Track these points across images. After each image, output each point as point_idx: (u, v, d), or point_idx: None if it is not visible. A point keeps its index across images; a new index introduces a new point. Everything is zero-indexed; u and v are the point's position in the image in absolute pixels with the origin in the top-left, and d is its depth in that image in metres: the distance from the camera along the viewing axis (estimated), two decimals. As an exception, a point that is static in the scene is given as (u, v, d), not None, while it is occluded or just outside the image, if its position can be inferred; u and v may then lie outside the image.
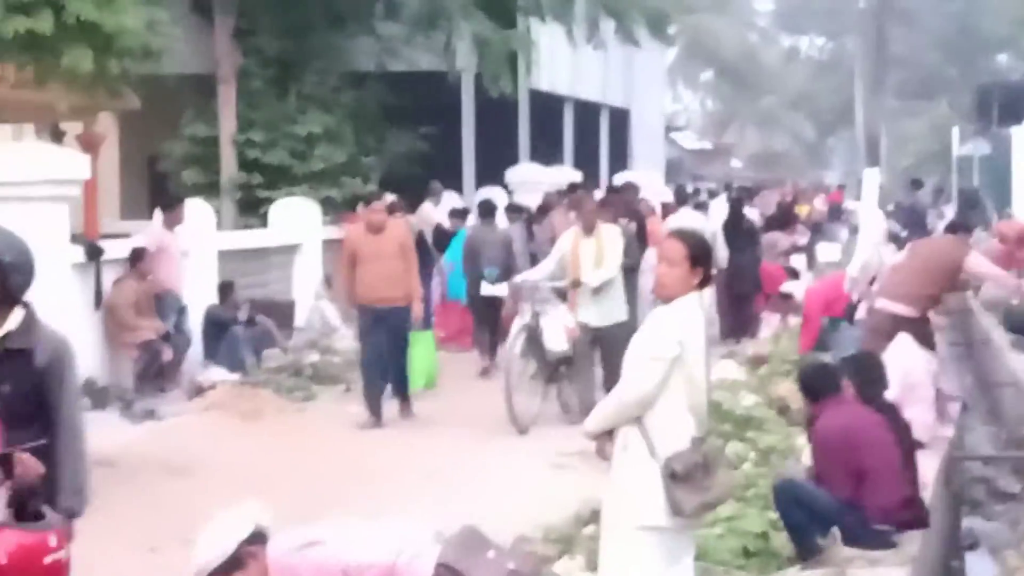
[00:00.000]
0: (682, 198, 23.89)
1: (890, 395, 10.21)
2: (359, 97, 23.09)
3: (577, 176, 25.61)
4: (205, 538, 5.36)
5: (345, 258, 13.80)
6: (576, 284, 13.54)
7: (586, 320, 13.48)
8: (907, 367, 12.29)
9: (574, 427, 11.44)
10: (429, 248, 18.18)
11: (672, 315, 6.63)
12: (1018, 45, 48.27)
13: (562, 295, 13.80)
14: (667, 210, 21.76)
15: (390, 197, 17.16)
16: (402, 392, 13.71)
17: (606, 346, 13.32)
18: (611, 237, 13.84)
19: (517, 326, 13.61)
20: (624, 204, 18.37)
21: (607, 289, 13.61)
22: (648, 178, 28.28)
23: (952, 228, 17.26)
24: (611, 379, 11.65)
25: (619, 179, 26.85)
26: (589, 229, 13.72)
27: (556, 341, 13.39)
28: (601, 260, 13.55)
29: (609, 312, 13.62)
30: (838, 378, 9.32)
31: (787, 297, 18.86)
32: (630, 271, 15.09)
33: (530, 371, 13.69)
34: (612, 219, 15.33)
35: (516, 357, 13.44)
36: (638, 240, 16.62)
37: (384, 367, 13.61)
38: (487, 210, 18.70)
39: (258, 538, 5.35)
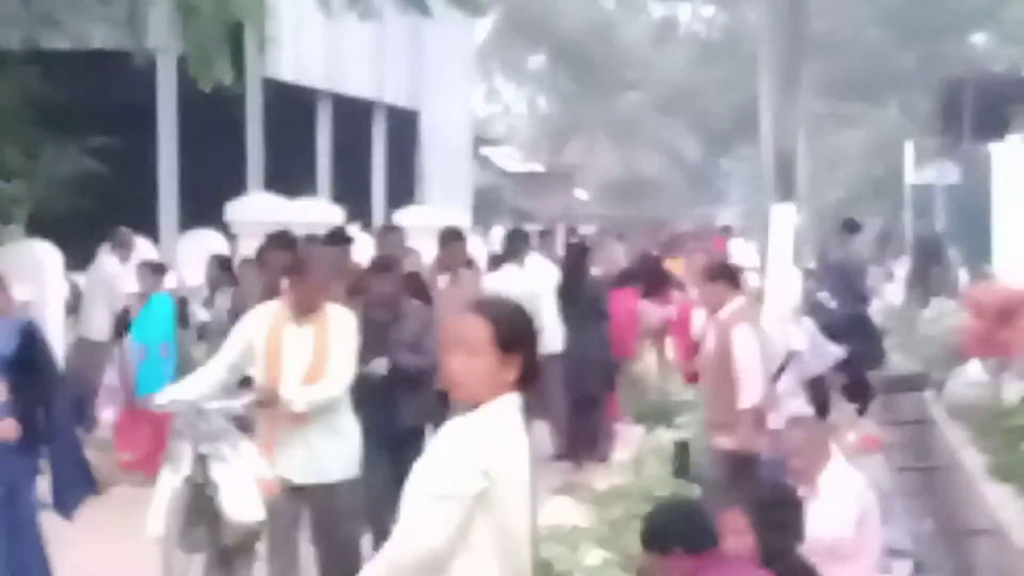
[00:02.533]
0: (513, 248, 17.69)
1: (813, 550, 9.17)
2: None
3: (335, 214, 21.13)
4: None
5: None
6: (271, 403, 9.59)
7: (290, 473, 9.69)
8: (846, 508, 10.51)
9: None
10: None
11: (475, 429, 5.64)
12: (999, 20, 37.41)
13: (247, 425, 9.96)
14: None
15: None
16: None
17: (323, 515, 10.07)
18: (344, 327, 10.00)
19: (169, 485, 9.63)
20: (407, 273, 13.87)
21: (328, 419, 9.78)
22: (444, 217, 21.40)
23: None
24: (332, 567, 10.29)
25: (405, 218, 22.09)
26: (305, 309, 9.75)
27: (242, 505, 9.52)
28: (321, 365, 9.73)
29: (330, 458, 9.83)
30: (712, 528, 7.95)
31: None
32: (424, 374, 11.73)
33: (198, 562, 9.69)
34: (387, 297, 11.91)
35: (173, 538, 9.51)
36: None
37: None
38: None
39: None
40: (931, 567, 15.41)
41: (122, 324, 16.62)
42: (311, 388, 9.86)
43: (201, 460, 9.74)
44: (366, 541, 11.84)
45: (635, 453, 16.88)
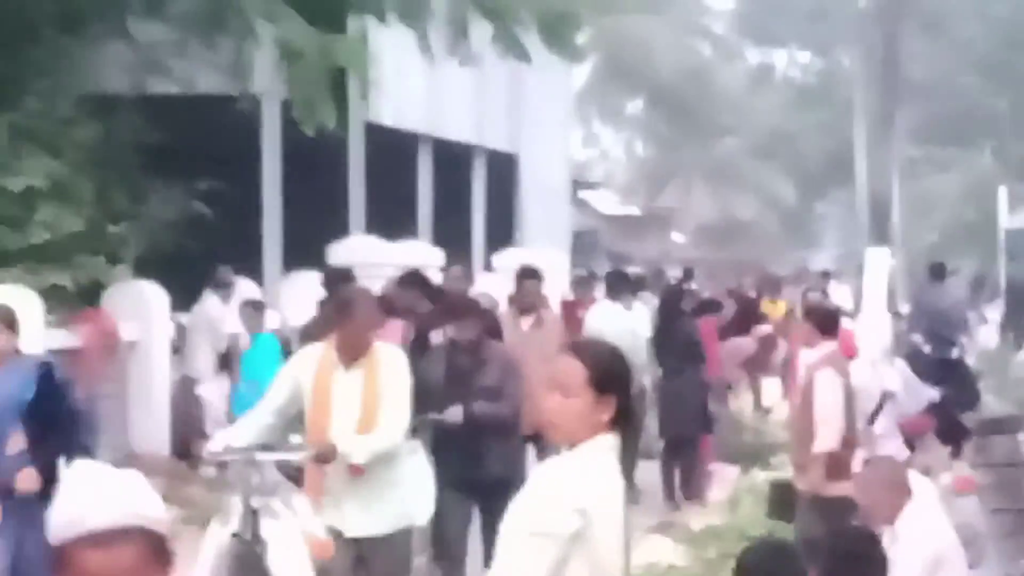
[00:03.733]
0: (614, 286, 18.24)
1: None
2: (105, 133, 18.88)
3: (435, 256, 21.34)
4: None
5: None
6: (325, 458, 9.08)
7: (341, 526, 9.20)
8: (933, 546, 10.20)
9: None
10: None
11: (571, 468, 5.70)
12: None
13: (295, 476, 9.63)
14: (569, 308, 18.65)
15: None
16: None
17: (379, 566, 9.57)
18: (394, 368, 9.34)
19: (217, 541, 9.06)
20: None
21: (384, 469, 9.22)
22: (545, 259, 21.48)
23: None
24: None
25: (501, 261, 22.96)
26: (354, 352, 9.13)
27: (292, 568, 9.03)
28: (373, 413, 9.13)
29: (385, 511, 9.32)
30: (801, 566, 8.11)
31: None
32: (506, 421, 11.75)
33: None
34: (470, 343, 11.67)
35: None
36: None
37: None
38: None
39: None
40: None
41: (225, 363, 16.93)
42: (369, 439, 9.46)
43: (251, 515, 9.37)
44: None
45: (730, 493, 17.05)
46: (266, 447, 9.47)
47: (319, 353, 9.54)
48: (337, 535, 9.31)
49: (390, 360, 9.46)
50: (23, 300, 15.07)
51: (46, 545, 7.08)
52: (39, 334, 15.21)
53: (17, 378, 9.84)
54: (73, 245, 17.33)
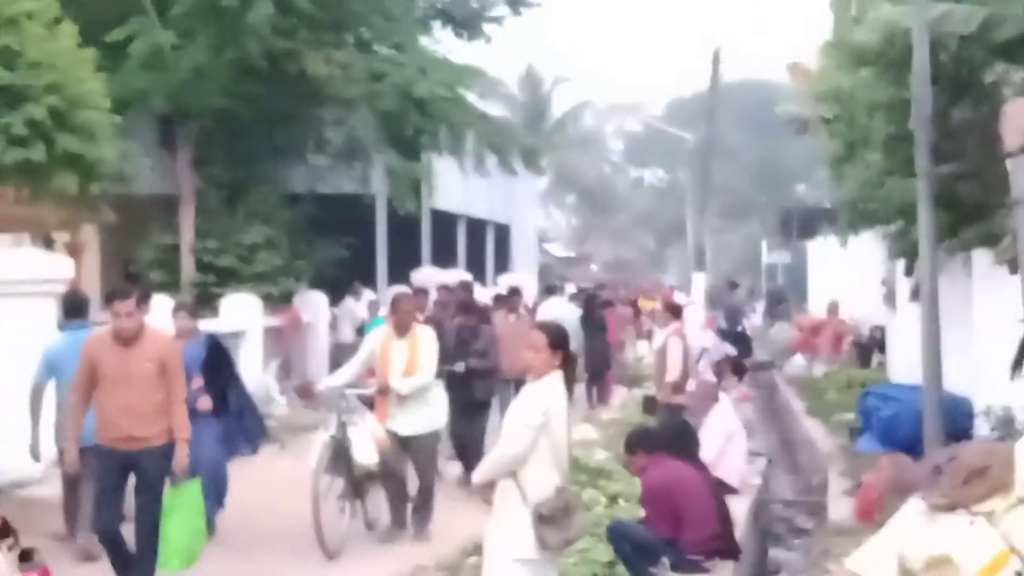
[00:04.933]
0: (552, 291, 25.49)
1: (707, 453, 12.00)
2: (293, 214, 24.43)
3: (468, 277, 26.41)
4: None
5: (79, 377, 9.06)
6: (385, 391, 11.47)
7: (395, 428, 11.48)
8: (728, 427, 13.93)
9: (384, 547, 11.37)
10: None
11: (539, 391, 7.35)
12: (813, 178, 53.55)
13: (370, 402, 11.75)
14: (534, 306, 22.89)
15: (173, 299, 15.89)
16: (146, 572, 9.05)
17: (417, 455, 11.78)
18: (426, 339, 11.70)
19: (320, 439, 11.38)
20: (510, 304, 17.99)
21: (418, 397, 11.55)
22: (524, 279, 29.89)
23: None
24: (425, 489, 11.87)
25: (502, 281, 29.09)
26: (403, 331, 11.56)
27: (365, 454, 11.21)
28: (414, 365, 11.49)
29: (420, 420, 11.66)
30: (658, 440, 10.64)
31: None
32: (488, 370, 14.33)
33: (337, 489, 11.35)
34: (471, 326, 14.50)
35: (321, 473, 11.04)
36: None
37: (121, 531, 9.15)
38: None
39: None
40: (777, 462, 18.74)
41: (359, 334, 20.16)
42: (410, 380, 11.51)
43: (342, 425, 11.28)
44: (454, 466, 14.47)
45: (622, 401, 21.83)
46: (351, 386, 11.69)
47: (383, 331, 11.96)
48: (392, 435, 11.50)
49: (424, 334, 11.82)
50: (252, 302, 21.25)
51: (214, 442, 11.08)
52: (260, 320, 21.40)
53: (198, 346, 11.48)
54: (277, 273, 22.98)
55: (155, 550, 8.92)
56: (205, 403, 11.06)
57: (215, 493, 11.07)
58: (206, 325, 18.14)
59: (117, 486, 8.98)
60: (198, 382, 11.08)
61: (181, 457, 8.93)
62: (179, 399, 9.01)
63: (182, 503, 8.99)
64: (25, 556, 5.15)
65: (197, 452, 9.85)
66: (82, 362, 9.01)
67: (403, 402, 11.44)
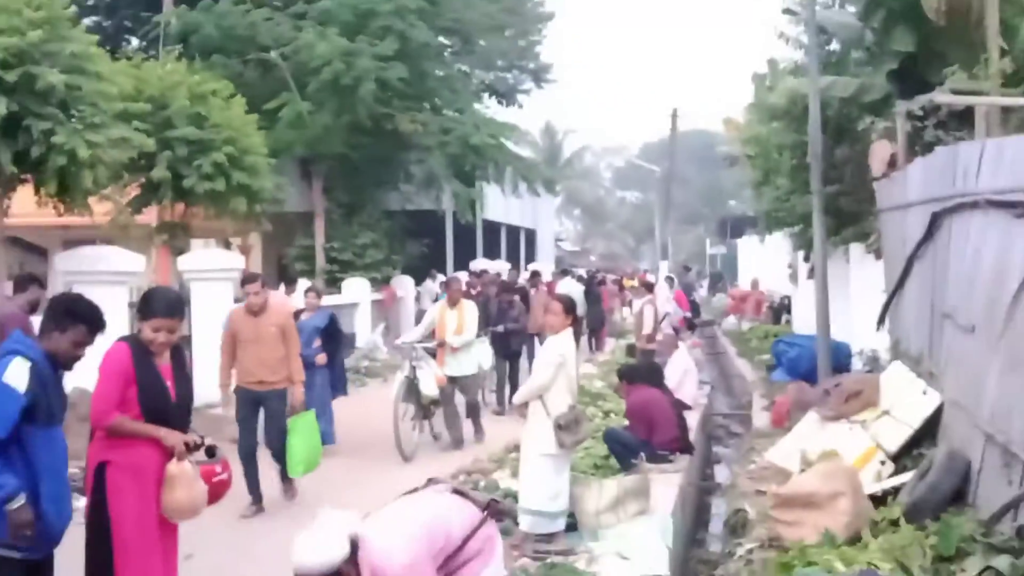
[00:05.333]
0: (564, 273, 25.26)
1: (670, 382, 11.72)
2: (390, 224, 24.63)
3: (507, 266, 26.94)
4: (306, 554, 3.72)
5: (224, 340, 8.75)
6: (442, 344, 11.35)
7: (449, 372, 11.32)
8: (684, 365, 13.69)
9: (444, 453, 11.03)
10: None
11: (558, 341, 7.24)
12: (740, 196, 49.40)
13: (432, 353, 11.43)
14: (551, 284, 21.64)
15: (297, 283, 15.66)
16: (283, 475, 8.94)
17: (463, 389, 11.58)
18: (470, 311, 11.62)
19: (399, 377, 11.23)
20: (535, 282, 18.35)
21: (465, 349, 11.44)
22: (544, 267, 28.67)
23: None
24: (472, 407, 11.72)
25: (530, 268, 27.35)
26: (453, 304, 11.50)
27: (429, 388, 11.05)
28: (461, 327, 11.37)
29: (465, 365, 11.48)
30: (640, 372, 10.63)
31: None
32: (520, 330, 14.16)
33: (410, 412, 11.09)
34: (509, 300, 14.39)
35: (399, 401, 10.83)
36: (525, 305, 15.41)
37: (259, 449, 8.83)
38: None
39: (354, 550, 3.77)
40: (718, 388, 19.10)
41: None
42: (460, 336, 11.36)
43: (413, 368, 11.01)
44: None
45: (612, 348, 21.43)
46: (420, 341, 11.47)
47: (441, 303, 11.85)
48: (450, 377, 11.37)
49: (468, 306, 11.72)
50: (363, 284, 21.45)
51: (326, 385, 10.86)
52: (368, 296, 21.29)
53: (320, 318, 11.09)
54: (379, 264, 23.22)
55: (282, 462, 8.69)
56: (322, 359, 10.78)
57: (325, 420, 10.60)
58: (331, 300, 18.43)
59: (252, 415, 8.68)
60: (317, 344, 10.80)
61: (297, 395, 8.57)
62: (295, 354, 8.63)
63: (301, 428, 8.59)
64: (210, 452, 5.15)
65: (312, 392, 9.72)
66: (226, 329, 8.77)
67: (454, 353, 11.32)
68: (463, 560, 4.28)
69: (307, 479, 8.95)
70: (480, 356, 11.91)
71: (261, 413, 8.72)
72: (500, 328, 13.65)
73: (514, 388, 12.85)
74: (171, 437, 4.79)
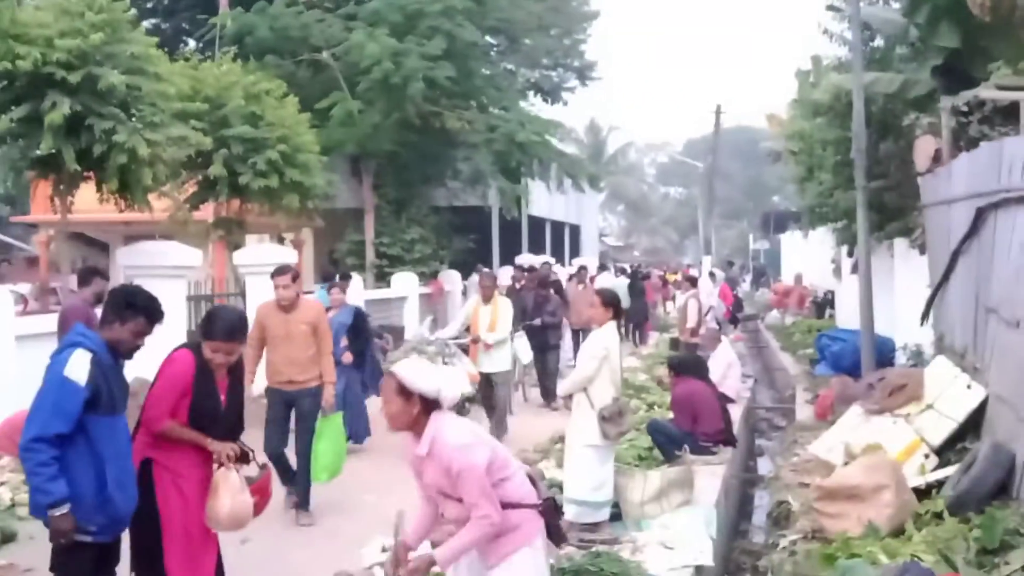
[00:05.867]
0: (604, 268, 26.42)
1: (714, 375, 11.52)
2: (438, 219, 24.34)
3: (551, 260, 25.91)
4: (409, 366, 4.21)
5: (251, 335, 7.27)
6: (476, 341, 10.97)
7: (483, 368, 10.83)
8: (727, 358, 13.57)
9: None
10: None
11: (602, 334, 7.18)
12: (784, 191, 49.40)
13: (465, 349, 10.71)
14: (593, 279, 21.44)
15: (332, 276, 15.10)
16: (299, 482, 8.12)
17: (496, 386, 11.14)
18: (504, 306, 11.14)
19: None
20: (580, 278, 18.27)
21: (497, 346, 10.98)
22: (589, 261, 28.40)
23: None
24: (500, 410, 11.19)
25: (575, 262, 27.33)
26: (487, 300, 11.06)
27: (463, 385, 10.13)
28: (494, 325, 10.92)
29: (497, 362, 11.03)
30: (688, 365, 10.52)
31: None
32: (556, 324, 13.88)
33: None
34: (544, 294, 14.10)
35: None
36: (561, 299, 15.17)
37: (288, 450, 8.21)
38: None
39: (434, 403, 4.18)
40: (761, 382, 19.14)
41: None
42: (493, 333, 10.95)
43: (446, 364, 9.43)
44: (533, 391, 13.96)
45: (656, 341, 21.60)
46: (454, 338, 10.46)
47: (475, 299, 11.39)
48: (484, 374, 10.81)
49: (502, 302, 11.26)
50: (411, 278, 20.39)
51: (356, 385, 10.09)
52: (416, 289, 20.30)
53: (346, 314, 10.49)
54: (428, 258, 22.87)
55: (306, 466, 7.99)
56: (348, 357, 10.18)
57: (360, 421, 10.25)
58: (381, 294, 18.75)
59: (283, 417, 8.06)
60: (344, 342, 10.23)
61: (328, 396, 7.93)
62: (327, 352, 8.00)
63: (328, 431, 7.99)
64: (242, 455, 4.98)
65: (342, 393, 9.28)
66: (254, 324, 7.75)
67: (487, 350, 10.95)
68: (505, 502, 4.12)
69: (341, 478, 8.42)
70: (518, 351, 11.81)
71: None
72: (536, 322, 13.51)
73: (551, 380, 12.79)
74: (216, 445, 4.84)
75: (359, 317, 10.49)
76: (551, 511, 4.23)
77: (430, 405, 4.08)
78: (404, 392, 4.02)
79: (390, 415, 4.07)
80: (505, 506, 4.04)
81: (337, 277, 12.80)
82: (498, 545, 4.06)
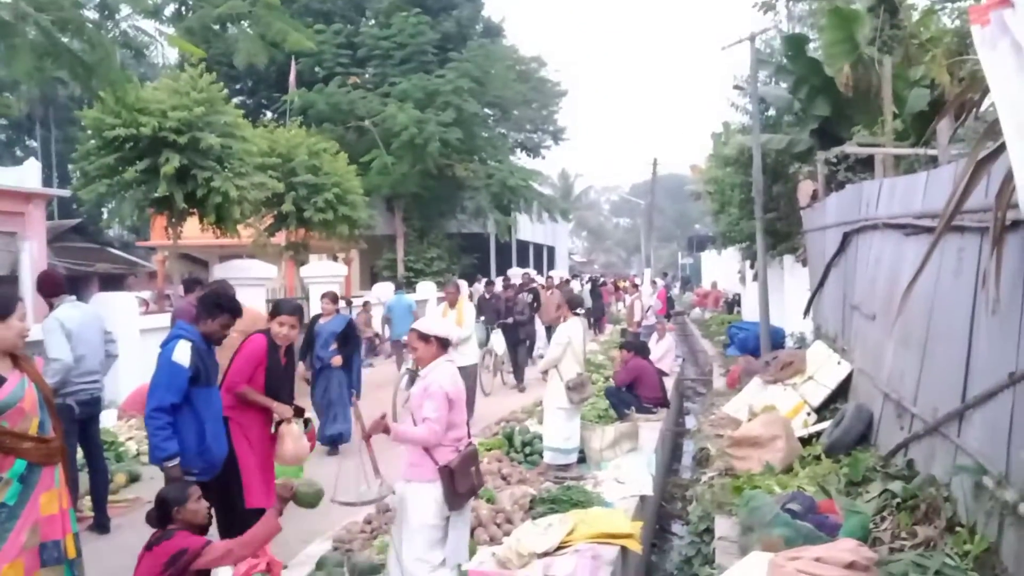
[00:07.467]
0: (574, 277, 25.64)
1: (654, 356, 11.14)
2: (450, 243, 24.20)
3: (533, 272, 24.38)
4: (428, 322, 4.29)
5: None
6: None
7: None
8: (667, 344, 13.27)
9: None
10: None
11: (566, 327, 6.98)
12: (704, 221, 43.82)
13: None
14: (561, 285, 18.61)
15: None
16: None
17: (469, 375, 9.01)
18: (468, 309, 9.55)
19: (403, 369, 9.55)
20: (554, 286, 16.60)
21: (463, 343, 9.06)
22: (560, 273, 27.64)
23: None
24: (469, 400, 8.77)
25: (552, 274, 26.08)
26: (452, 304, 9.36)
27: None
28: (460, 324, 9.20)
29: (464, 357, 8.93)
30: (636, 347, 9.88)
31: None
32: (526, 321, 12.70)
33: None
34: (515, 296, 12.96)
35: (402, 390, 8.57)
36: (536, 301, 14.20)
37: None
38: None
39: (443, 343, 4.30)
40: (687, 360, 17.81)
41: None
42: (458, 329, 9.00)
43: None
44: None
45: (610, 332, 19.85)
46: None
47: (443, 305, 9.55)
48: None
49: (466, 305, 9.50)
50: (430, 286, 19.12)
51: (343, 391, 7.53)
52: (434, 294, 18.80)
53: (337, 322, 8.43)
54: (442, 271, 22.71)
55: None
56: (337, 360, 8.24)
57: (346, 422, 8.20)
58: (410, 297, 17.81)
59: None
60: (334, 347, 8.33)
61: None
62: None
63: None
64: (305, 422, 4.78)
65: (330, 392, 8.22)
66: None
67: (456, 346, 8.99)
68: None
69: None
70: (494, 344, 11.31)
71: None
72: (508, 320, 12.53)
73: (520, 369, 12.10)
74: (281, 407, 4.75)
75: (349, 326, 8.65)
76: (448, 477, 4.07)
77: (443, 343, 4.21)
78: (424, 337, 4.16)
79: (419, 357, 4.20)
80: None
81: (393, 286, 12.41)
82: (419, 467, 4.10)
